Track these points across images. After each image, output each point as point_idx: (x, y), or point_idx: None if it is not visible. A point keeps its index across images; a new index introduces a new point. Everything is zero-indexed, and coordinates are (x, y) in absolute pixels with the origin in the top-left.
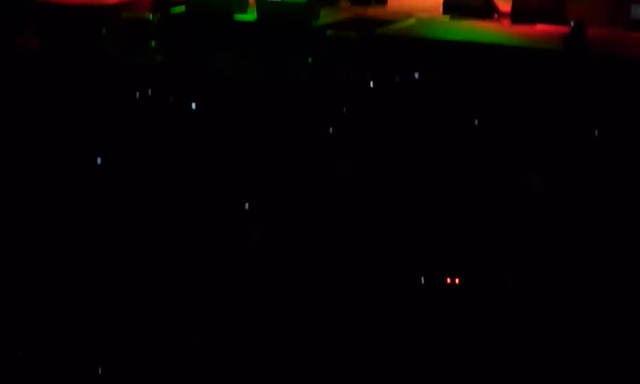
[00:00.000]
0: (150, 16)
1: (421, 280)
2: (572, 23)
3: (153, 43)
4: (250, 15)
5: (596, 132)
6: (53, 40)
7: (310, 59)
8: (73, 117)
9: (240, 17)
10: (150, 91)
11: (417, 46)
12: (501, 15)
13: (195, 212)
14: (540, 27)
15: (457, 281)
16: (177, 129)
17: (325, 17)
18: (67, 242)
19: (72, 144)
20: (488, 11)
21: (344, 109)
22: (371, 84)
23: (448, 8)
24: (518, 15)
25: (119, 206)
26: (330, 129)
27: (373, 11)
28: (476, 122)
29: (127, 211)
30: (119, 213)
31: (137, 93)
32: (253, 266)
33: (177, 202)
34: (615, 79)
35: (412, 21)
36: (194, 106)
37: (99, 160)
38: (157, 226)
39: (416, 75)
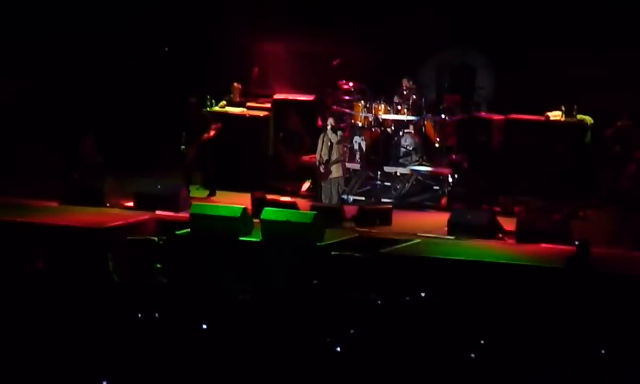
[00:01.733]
0: (156, 239)
1: None
2: (576, 242)
3: (158, 265)
4: (255, 236)
5: (602, 350)
6: (58, 262)
7: (315, 279)
8: (79, 339)
9: (245, 237)
10: (156, 313)
11: (422, 265)
12: (506, 234)
13: None
14: (545, 247)
15: None
16: (182, 351)
17: (330, 237)
18: None
19: (78, 366)
20: (492, 231)
21: (350, 329)
22: (377, 303)
23: (453, 228)
24: (523, 234)
25: None
26: (338, 348)
27: (378, 231)
28: (482, 341)
29: None
30: None
31: (141, 314)
32: None
33: None
34: (620, 297)
35: (416, 241)
36: (204, 326)
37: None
38: None
39: (422, 294)
